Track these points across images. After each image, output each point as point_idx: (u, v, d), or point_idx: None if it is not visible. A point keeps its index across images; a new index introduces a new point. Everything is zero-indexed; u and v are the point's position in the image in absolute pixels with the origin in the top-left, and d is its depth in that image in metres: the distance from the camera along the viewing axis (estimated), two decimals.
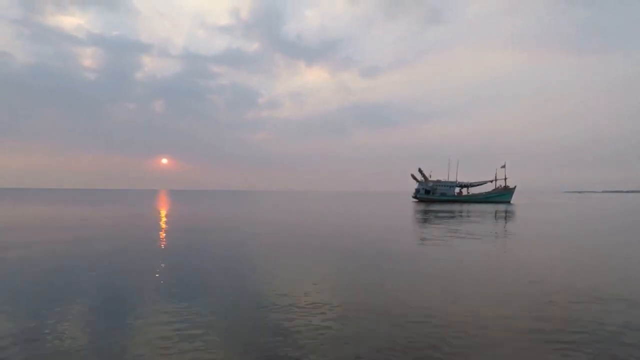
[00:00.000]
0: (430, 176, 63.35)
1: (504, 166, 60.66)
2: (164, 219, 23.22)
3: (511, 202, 58.34)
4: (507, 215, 28.45)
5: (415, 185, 64.05)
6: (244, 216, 26.16)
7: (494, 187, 60.94)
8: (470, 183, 62.39)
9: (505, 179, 60.40)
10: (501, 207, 43.68)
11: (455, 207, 42.96)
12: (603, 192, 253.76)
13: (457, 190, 62.50)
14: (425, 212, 32.64)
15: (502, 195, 59.57)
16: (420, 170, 63.51)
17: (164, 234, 15.43)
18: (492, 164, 67.98)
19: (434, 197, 61.27)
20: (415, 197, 63.01)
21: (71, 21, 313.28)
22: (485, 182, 61.71)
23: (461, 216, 27.28)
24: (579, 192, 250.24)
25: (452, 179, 63.43)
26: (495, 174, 60.84)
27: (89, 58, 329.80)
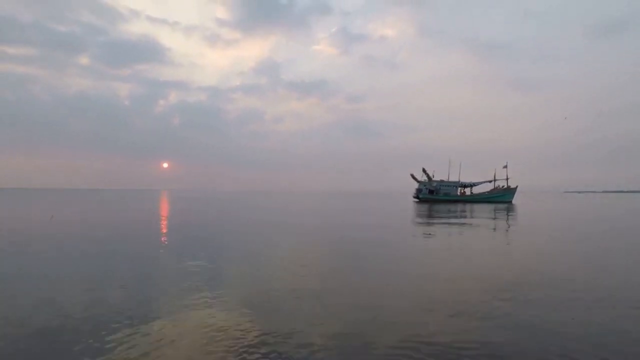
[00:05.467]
0: (433, 176, 63.33)
1: (505, 166, 61.40)
2: (171, 217, 24.12)
3: (512, 201, 59.11)
4: (508, 213, 29.51)
5: (415, 185, 63.32)
6: (251, 217, 27.01)
7: (493, 187, 61.62)
8: (473, 183, 62.81)
9: (507, 179, 61.11)
10: (502, 206, 44.73)
11: (459, 206, 43.84)
12: (603, 192, 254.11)
13: (459, 190, 62.88)
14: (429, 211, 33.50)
15: (504, 195, 60.25)
16: (424, 170, 63.14)
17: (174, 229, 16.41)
18: (482, 165, 68.54)
19: (438, 197, 61.32)
20: (417, 197, 62.09)
21: (127, 71, 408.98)
22: (486, 182, 62.27)
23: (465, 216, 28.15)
24: (579, 192, 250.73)
25: (451, 179, 63.57)
26: (495, 174, 61.55)
27: (127, 90, 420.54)
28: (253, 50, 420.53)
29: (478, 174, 63.99)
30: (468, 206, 44.08)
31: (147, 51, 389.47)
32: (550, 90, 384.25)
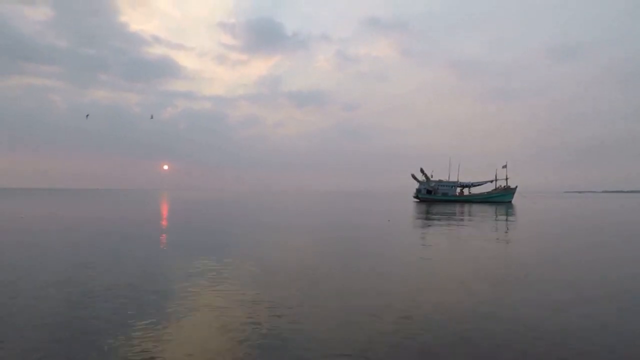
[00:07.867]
0: (432, 176, 63.39)
1: (505, 166, 61.19)
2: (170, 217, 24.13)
3: (512, 202, 58.97)
4: (507, 214, 29.52)
5: (416, 185, 63.60)
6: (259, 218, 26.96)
7: (494, 187, 61.43)
8: (472, 183, 62.63)
9: (507, 179, 60.91)
10: (502, 206, 44.69)
11: (457, 207, 43.80)
12: (603, 192, 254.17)
13: (457, 190, 62.81)
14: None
15: (503, 195, 60.01)
16: (422, 170, 63.21)
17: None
18: (475, 165, 68.31)
19: (436, 197, 61.42)
20: (416, 197, 62.54)
21: (142, 85, 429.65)
22: (486, 183, 62.02)
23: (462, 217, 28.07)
24: (579, 192, 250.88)
25: (451, 179, 63.51)
26: (496, 174, 61.37)
27: (138, 99, 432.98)
28: (257, 68, 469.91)
29: (473, 175, 63.93)
30: (467, 206, 44.04)
31: (163, 69, 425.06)
32: (521, 99, 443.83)
